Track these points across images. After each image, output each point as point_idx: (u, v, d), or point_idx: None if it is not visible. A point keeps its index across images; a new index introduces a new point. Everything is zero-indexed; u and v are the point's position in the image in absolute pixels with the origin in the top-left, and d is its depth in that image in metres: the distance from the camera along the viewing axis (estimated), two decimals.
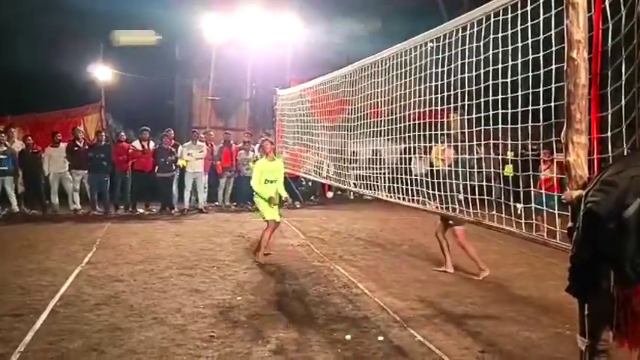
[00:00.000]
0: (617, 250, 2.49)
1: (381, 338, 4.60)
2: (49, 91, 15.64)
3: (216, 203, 14.07)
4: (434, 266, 7.58)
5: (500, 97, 4.22)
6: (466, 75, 4.69)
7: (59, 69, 15.29)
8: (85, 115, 16.34)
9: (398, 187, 6.25)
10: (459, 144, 5.35)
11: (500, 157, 5.65)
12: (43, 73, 15.45)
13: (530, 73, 3.75)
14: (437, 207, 5.28)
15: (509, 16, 3.83)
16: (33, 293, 6.11)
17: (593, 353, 2.81)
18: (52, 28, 16.53)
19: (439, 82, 5.26)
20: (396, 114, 6.39)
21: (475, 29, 4.41)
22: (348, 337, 4.71)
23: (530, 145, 5.01)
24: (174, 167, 12.98)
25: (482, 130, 4.59)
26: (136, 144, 13.13)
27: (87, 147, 12.92)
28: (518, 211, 4.27)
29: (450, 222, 6.89)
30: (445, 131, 5.54)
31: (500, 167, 4.89)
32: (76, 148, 12.65)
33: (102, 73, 16.87)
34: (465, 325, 5.23)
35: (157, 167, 12.87)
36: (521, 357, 4.46)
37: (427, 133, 5.73)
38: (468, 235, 7.14)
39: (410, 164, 6.45)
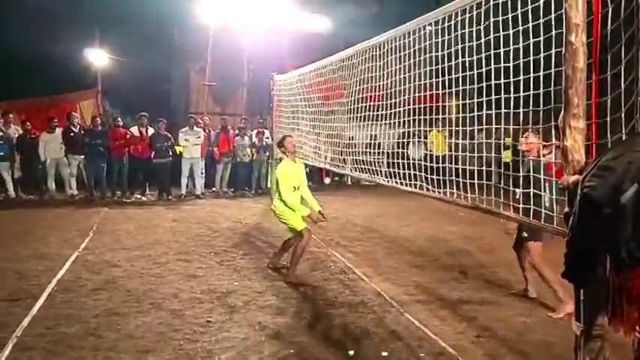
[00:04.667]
0: (614, 235, 2.48)
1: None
2: (43, 75, 15.53)
3: (214, 189, 14.06)
4: (431, 255, 7.58)
5: (502, 81, 4.20)
6: (467, 59, 4.67)
7: (53, 53, 15.15)
8: (81, 100, 16.28)
9: (395, 171, 6.25)
10: (460, 129, 5.32)
11: (501, 142, 5.65)
12: (37, 57, 15.32)
13: (531, 57, 3.73)
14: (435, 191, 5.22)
15: None
16: (30, 278, 6.11)
17: (589, 338, 2.83)
18: (46, 11, 16.39)
19: (437, 67, 5.23)
20: (393, 98, 6.36)
21: (474, 12, 4.38)
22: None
23: (523, 132, 5.01)
24: (170, 153, 12.95)
25: (484, 115, 4.57)
26: (134, 129, 13.06)
27: (83, 132, 12.86)
28: (517, 196, 4.26)
29: (524, 234, 5.45)
30: (442, 116, 5.51)
31: (502, 152, 4.87)
32: (72, 134, 12.59)
33: (98, 57, 16.76)
34: (460, 310, 5.25)
35: (153, 153, 12.82)
36: (516, 342, 4.49)
37: (424, 117, 5.71)
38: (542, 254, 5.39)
39: (406, 149, 6.44)
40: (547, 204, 4.25)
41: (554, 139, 3.52)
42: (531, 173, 4.45)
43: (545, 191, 4.38)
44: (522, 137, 5.15)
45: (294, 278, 6.16)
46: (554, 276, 4.95)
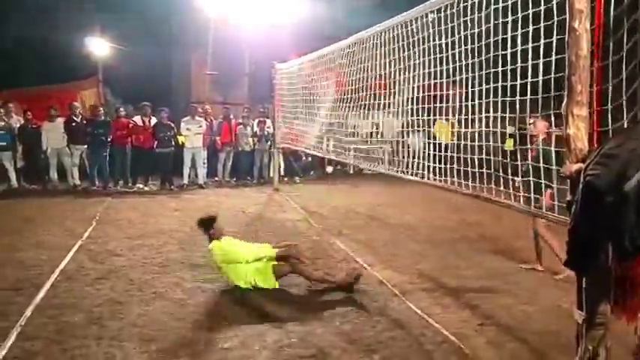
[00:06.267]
0: (616, 224, 2.47)
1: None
2: (43, 64, 15.50)
3: (216, 178, 14.06)
4: (433, 243, 7.59)
5: (500, 69, 4.18)
6: (469, 46, 4.65)
7: (54, 41, 15.11)
8: (82, 89, 16.23)
9: (398, 160, 6.25)
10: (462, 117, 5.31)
11: (499, 130, 5.64)
12: (37, 46, 15.28)
13: (530, 45, 3.70)
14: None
15: None
16: (33, 268, 6.13)
17: (591, 326, 2.82)
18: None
19: (439, 55, 5.21)
20: (396, 87, 6.35)
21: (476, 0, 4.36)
22: None
23: (528, 119, 5.03)
24: (172, 142, 12.93)
25: (484, 103, 4.56)
26: (137, 119, 13.04)
27: (85, 122, 12.83)
28: (516, 184, 4.26)
29: None
30: (445, 104, 5.49)
31: (500, 141, 4.93)
32: (74, 124, 12.57)
33: (99, 46, 16.68)
34: (463, 299, 5.26)
35: (156, 142, 12.80)
36: (519, 330, 4.49)
37: (427, 106, 5.70)
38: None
39: (408, 137, 6.44)
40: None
41: (553, 126, 3.52)
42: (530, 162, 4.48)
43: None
44: (529, 124, 5.23)
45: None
46: (558, 243, 5.65)
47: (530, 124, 5.34)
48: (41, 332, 4.34)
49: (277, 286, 5.41)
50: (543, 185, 3.81)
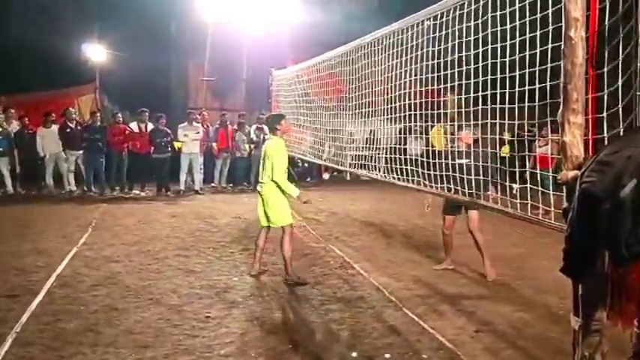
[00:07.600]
0: (612, 230, 2.48)
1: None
2: (40, 70, 15.49)
3: (212, 184, 14.06)
4: (430, 249, 7.59)
5: (498, 76, 4.19)
6: (463, 54, 4.65)
7: (52, 48, 15.11)
8: (79, 95, 16.23)
9: (394, 167, 6.25)
10: (455, 124, 5.34)
11: (497, 137, 5.66)
12: (35, 52, 15.27)
13: (528, 53, 3.71)
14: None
15: None
16: (29, 274, 6.11)
17: (587, 333, 2.82)
18: (45, 6, 16.34)
19: (435, 61, 5.22)
20: (392, 93, 6.36)
21: (472, 7, 4.37)
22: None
23: (526, 126, 5.05)
24: (169, 148, 12.92)
25: (480, 110, 4.57)
26: (133, 125, 13.04)
27: (80, 128, 12.83)
28: (514, 191, 4.27)
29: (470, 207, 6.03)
30: (441, 111, 5.50)
31: (497, 147, 5.01)
32: (68, 130, 12.56)
33: (96, 52, 16.70)
34: (459, 305, 5.26)
35: (152, 148, 12.79)
36: (515, 337, 4.49)
37: (423, 112, 5.71)
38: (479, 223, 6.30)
39: (405, 144, 6.45)
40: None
41: (549, 133, 3.54)
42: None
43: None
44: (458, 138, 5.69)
45: (294, 278, 5.93)
46: (484, 241, 6.26)
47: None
48: (37, 339, 4.32)
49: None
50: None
